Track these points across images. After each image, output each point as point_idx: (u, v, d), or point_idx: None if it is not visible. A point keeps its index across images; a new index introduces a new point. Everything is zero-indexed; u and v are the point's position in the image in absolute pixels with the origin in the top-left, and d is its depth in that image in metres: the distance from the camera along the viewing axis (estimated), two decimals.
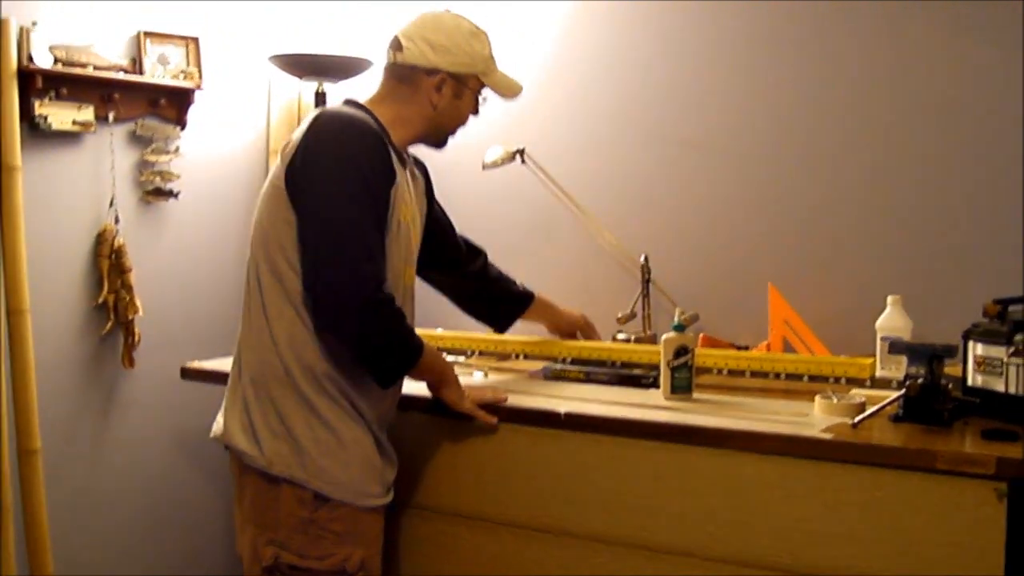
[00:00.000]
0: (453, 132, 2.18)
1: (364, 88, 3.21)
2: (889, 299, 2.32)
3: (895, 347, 2.07)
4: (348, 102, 2.08)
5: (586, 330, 2.64)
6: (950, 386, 1.92)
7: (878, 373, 2.25)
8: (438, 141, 2.18)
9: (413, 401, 2.15)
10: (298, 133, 1.95)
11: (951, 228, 2.47)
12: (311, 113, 1.99)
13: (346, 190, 1.86)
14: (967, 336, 1.97)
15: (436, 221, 2.33)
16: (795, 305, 2.50)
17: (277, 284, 1.91)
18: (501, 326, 2.57)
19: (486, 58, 2.13)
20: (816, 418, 1.93)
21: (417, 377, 2.06)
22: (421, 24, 2.08)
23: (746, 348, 2.53)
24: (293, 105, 3.26)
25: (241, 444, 1.94)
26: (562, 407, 2.08)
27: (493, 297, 2.51)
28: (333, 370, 1.92)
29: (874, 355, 2.29)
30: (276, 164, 1.96)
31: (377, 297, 1.84)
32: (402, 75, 2.07)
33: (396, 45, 2.07)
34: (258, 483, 1.94)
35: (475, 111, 2.18)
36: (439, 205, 2.38)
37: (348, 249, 1.83)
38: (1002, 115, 2.40)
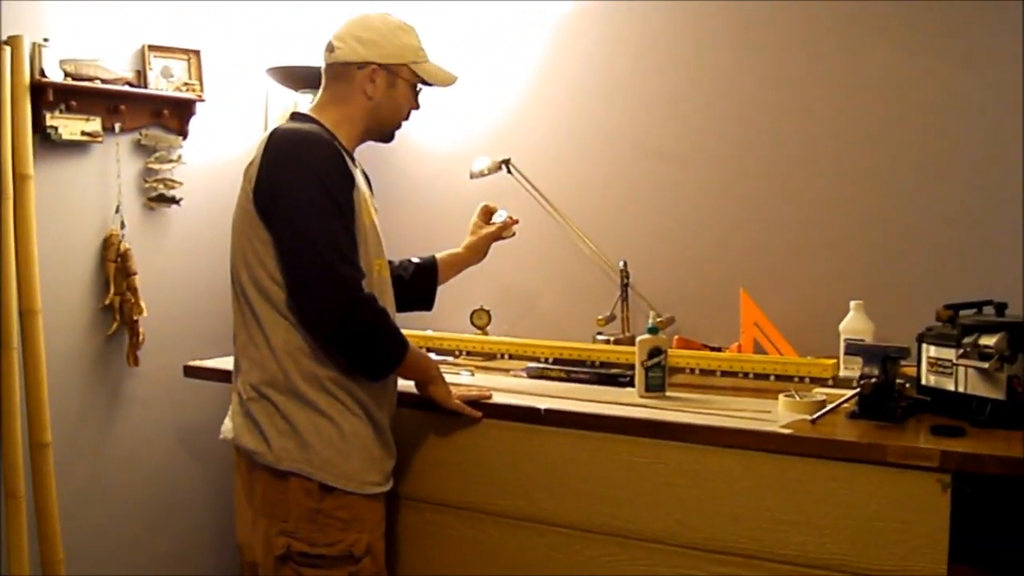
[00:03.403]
0: (396, 125, 2.23)
1: None
2: (852, 304, 2.42)
3: (851, 348, 2.18)
4: (295, 115, 2.16)
5: (492, 236, 2.58)
6: (907, 385, 2.03)
7: (841, 373, 2.35)
8: (382, 135, 2.23)
9: (402, 397, 2.23)
10: (256, 155, 2.03)
11: (912, 238, 2.57)
12: (265, 134, 2.06)
13: (312, 202, 1.94)
14: (921, 339, 2.07)
15: None
16: (765, 309, 2.59)
17: (264, 298, 2.00)
18: (429, 304, 2.57)
19: (415, 48, 2.17)
20: (779, 415, 2.05)
21: (405, 375, 2.16)
22: (350, 24, 2.15)
23: (719, 349, 2.62)
24: (289, 115, 3.35)
25: (250, 444, 2.03)
26: (542, 404, 2.19)
27: (408, 284, 2.49)
28: (330, 368, 2.01)
29: (838, 356, 2.39)
30: (242, 186, 2.05)
31: (359, 296, 1.94)
32: (338, 74, 2.14)
33: (329, 47, 2.15)
34: (267, 479, 2.03)
35: (415, 104, 2.23)
36: None
37: (323, 257, 1.92)
38: (957, 131, 2.50)
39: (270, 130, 2.05)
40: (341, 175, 2.00)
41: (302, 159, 1.97)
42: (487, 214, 2.61)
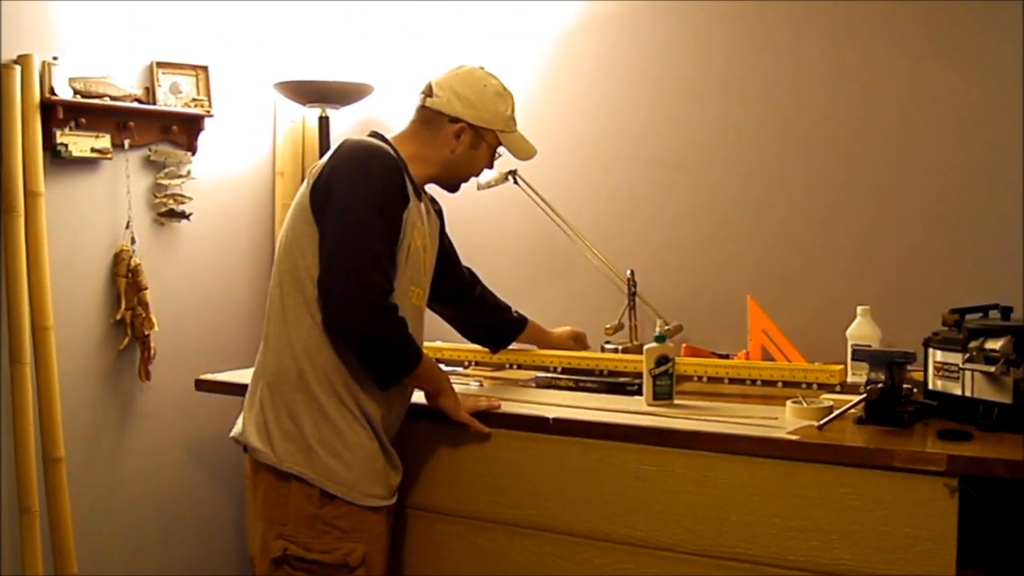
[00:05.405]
0: (466, 179, 2.31)
1: (364, 112, 3.33)
2: (858, 309, 2.42)
3: (858, 354, 2.19)
4: (373, 134, 2.20)
5: (577, 344, 2.76)
6: (914, 390, 2.03)
7: (849, 379, 2.34)
8: (450, 185, 2.31)
9: (412, 408, 2.25)
10: (325, 157, 2.09)
11: (917, 243, 2.58)
12: (339, 140, 2.12)
13: (361, 205, 1.99)
14: (927, 344, 2.07)
15: (446, 258, 2.45)
16: (772, 315, 2.60)
17: (297, 291, 2.04)
18: (496, 348, 2.70)
19: (507, 118, 2.26)
20: (786, 421, 2.05)
21: (415, 384, 2.18)
22: (454, 75, 2.23)
23: (726, 356, 2.63)
24: (297, 130, 3.38)
25: (255, 443, 2.06)
26: (551, 413, 2.19)
27: (491, 324, 2.64)
28: (345, 375, 2.03)
29: (845, 362, 2.39)
30: (303, 185, 2.10)
31: (381, 304, 1.96)
32: (428, 119, 2.21)
33: (428, 91, 2.21)
34: (270, 480, 2.06)
35: (489, 164, 2.32)
36: (450, 242, 2.50)
37: (358, 257, 1.95)
38: (960, 137, 2.51)
39: (343, 138, 2.13)
40: (396, 192, 2.05)
41: (363, 168, 2.03)
42: (577, 345, 2.78)
